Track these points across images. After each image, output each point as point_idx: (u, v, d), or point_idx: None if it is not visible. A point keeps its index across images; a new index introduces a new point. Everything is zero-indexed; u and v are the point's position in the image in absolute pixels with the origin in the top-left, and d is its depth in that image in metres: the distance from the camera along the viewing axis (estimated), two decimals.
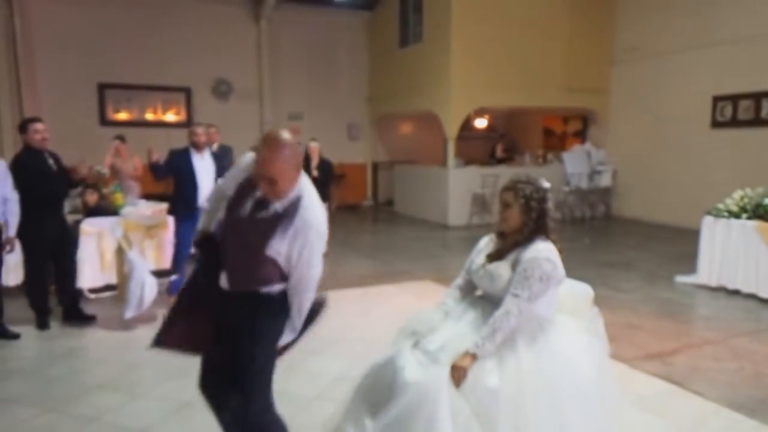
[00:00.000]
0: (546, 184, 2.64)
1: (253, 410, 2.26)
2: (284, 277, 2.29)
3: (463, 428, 2.32)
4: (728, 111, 9.85)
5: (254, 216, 2.24)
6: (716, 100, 9.99)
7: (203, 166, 5.59)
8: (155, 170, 5.64)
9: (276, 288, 2.29)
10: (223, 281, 2.34)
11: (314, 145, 7.65)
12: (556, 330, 2.59)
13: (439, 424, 2.29)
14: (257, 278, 2.26)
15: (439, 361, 2.50)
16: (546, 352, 2.50)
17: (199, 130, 5.61)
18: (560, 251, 2.60)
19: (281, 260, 2.24)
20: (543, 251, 2.50)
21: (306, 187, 2.27)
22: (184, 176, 5.52)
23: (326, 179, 7.62)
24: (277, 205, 2.21)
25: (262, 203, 2.24)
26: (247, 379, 2.24)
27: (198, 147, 5.58)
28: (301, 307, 2.33)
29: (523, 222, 2.56)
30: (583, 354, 2.58)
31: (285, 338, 2.37)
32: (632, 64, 11.58)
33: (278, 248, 2.20)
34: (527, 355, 2.47)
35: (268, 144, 2.13)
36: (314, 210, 2.24)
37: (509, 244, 2.61)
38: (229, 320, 2.32)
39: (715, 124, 10.06)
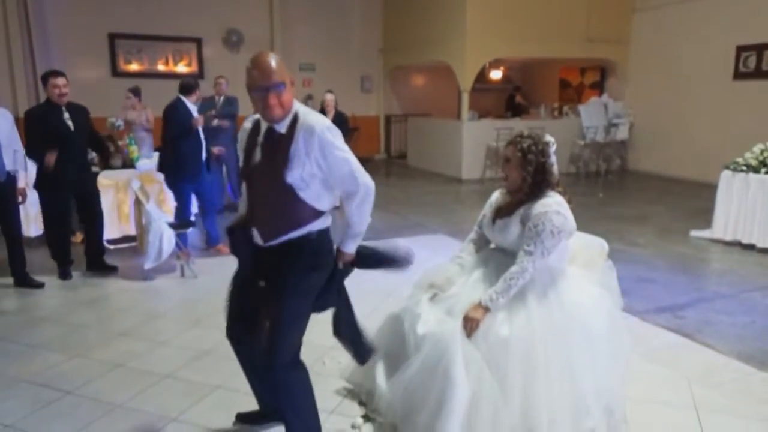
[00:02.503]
0: (548, 139, 2.61)
1: (278, 364, 2.25)
2: (317, 214, 2.27)
3: (475, 377, 2.38)
4: (752, 62, 9.54)
5: (266, 153, 2.26)
6: (740, 50, 9.67)
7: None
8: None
9: (309, 229, 2.26)
10: (257, 237, 2.32)
11: (330, 98, 7.48)
12: (567, 281, 2.62)
13: (454, 374, 2.36)
14: (289, 220, 2.24)
15: (453, 313, 2.55)
16: (556, 303, 2.54)
17: (223, 80, 5.79)
18: (569, 202, 2.60)
19: (316, 184, 2.23)
20: (552, 205, 2.50)
21: (299, 107, 2.30)
22: (191, 131, 5.45)
23: (342, 132, 7.56)
24: (280, 128, 2.24)
25: (268, 139, 2.26)
26: (274, 332, 2.23)
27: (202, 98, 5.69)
28: (362, 212, 2.33)
29: (522, 177, 2.55)
30: (593, 305, 2.62)
31: (348, 247, 2.38)
32: (653, 12, 11.20)
33: (301, 168, 2.18)
34: (537, 305, 2.51)
35: (256, 61, 2.19)
36: (312, 115, 2.28)
37: (516, 200, 2.62)
38: (262, 272, 2.33)
39: (738, 75, 9.76)
